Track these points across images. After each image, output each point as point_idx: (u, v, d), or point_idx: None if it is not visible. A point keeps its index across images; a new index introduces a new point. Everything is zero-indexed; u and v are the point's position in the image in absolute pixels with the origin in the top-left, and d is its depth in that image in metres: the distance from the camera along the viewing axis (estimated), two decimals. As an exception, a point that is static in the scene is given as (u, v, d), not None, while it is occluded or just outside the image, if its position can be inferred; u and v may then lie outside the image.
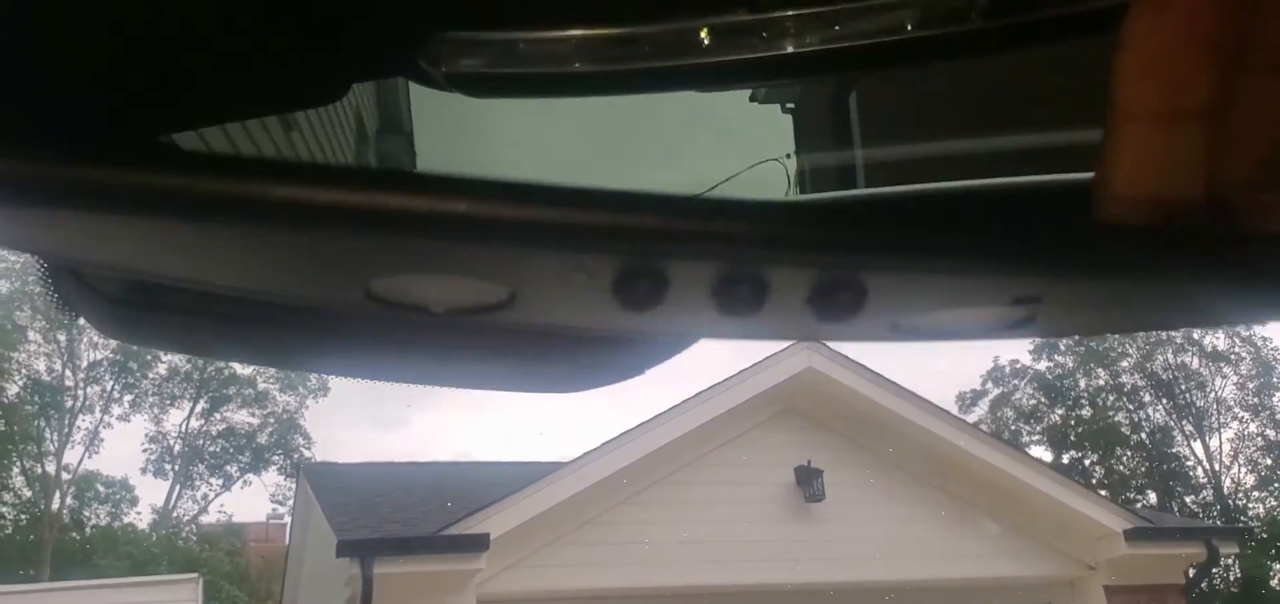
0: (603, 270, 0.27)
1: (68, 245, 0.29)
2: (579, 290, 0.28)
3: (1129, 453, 25.25)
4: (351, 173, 0.25)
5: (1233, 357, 24.24)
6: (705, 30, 0.45)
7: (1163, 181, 0.34)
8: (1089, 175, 0.35)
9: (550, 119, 0.80)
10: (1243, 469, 24.23)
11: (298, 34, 0.52)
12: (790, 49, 0.46)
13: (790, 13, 0.44)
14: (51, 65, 0.35)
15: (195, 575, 11.69)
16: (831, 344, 8.24)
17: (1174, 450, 24.82)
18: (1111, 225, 0.33)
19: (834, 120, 1.26)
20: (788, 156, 1.05)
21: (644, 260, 0.27)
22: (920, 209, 0.28)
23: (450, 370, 0.55)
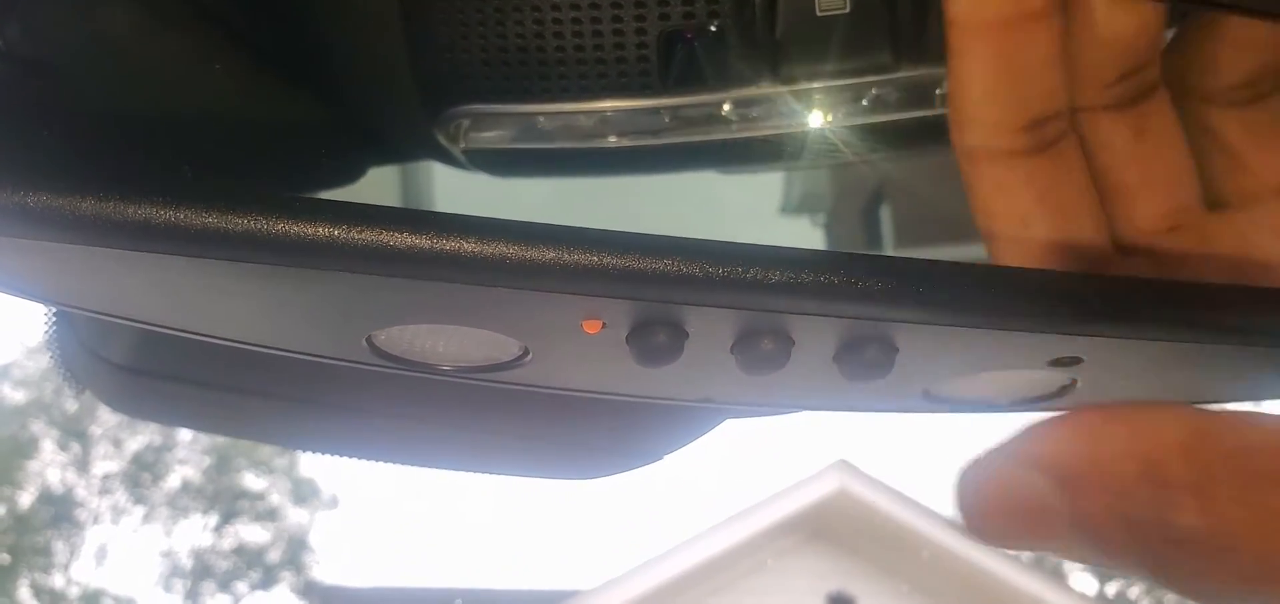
0: (618, 319, 0.26)
1: (77, 287, 0.28)
2: (594, 344, 0.27)
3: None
4: (351, 209, 0.23)
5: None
6: (728, 104, 0.44)
7: (1015, 92, 0.30)
8: None
9: (581, 212, 0.80)
10: None
11: (314, 113, 0.52)
12: (815, 123, 0.45)
13: (817, 85, 0.43)
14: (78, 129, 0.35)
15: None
16: (866, 467, 8.12)
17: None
18: (1166, 279, 0.31)
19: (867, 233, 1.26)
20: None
21: (661, 307, 0.25)
22: (955, 268, 0.26)
23: (463, 453, 0.53)
